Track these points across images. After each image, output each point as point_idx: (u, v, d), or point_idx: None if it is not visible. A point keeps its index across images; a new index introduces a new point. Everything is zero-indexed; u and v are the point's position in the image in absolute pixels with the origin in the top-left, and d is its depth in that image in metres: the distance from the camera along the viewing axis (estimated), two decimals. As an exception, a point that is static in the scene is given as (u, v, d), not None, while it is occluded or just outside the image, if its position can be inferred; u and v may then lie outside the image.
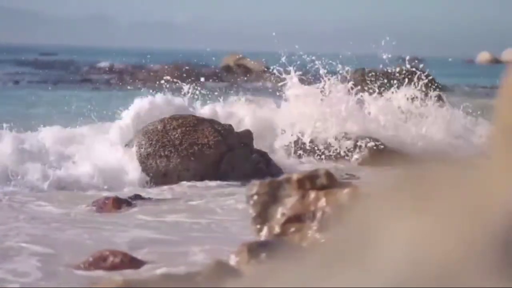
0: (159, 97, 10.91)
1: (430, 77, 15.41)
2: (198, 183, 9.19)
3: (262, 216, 4.26)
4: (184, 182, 9.21)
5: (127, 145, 9.73)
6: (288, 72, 11.65)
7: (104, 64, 46.47)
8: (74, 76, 34.21)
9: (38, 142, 9.91)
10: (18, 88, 25.68)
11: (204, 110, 11.24)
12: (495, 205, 0.84)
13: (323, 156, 11.16)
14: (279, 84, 11.52)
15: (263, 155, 10.04)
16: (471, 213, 0.84)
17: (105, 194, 8.35)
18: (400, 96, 13.31)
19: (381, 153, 11.09)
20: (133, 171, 9.23)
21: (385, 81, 14.40)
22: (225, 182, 9.32)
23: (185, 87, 11.24)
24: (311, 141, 11.29)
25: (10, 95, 22.11)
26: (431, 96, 13.38)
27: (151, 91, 11.28)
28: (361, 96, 12.44)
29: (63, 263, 5.54)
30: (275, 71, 11.59)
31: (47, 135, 10.21)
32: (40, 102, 19.22)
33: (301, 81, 11.86)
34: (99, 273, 5.28)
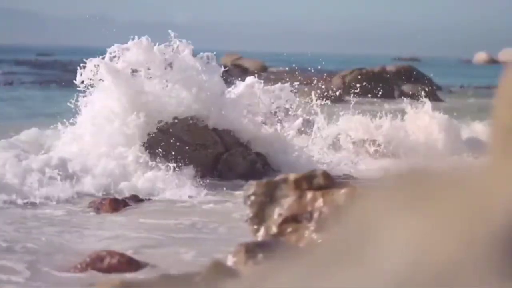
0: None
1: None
2: (195, 183, 9.16)
3: (259, 217, 4.25)
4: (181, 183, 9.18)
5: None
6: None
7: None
8: (71, 76, 34.10)
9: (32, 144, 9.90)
10: (10, 89, 25.56)
11: (245, 83, 10.05)
12: (495, 205, 0.83)
13: None
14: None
15: (260, 155, 10.03)
16: (471, 213, 0.84)
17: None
18: None
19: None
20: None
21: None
22: (222, 182, 9.31)
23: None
24: None
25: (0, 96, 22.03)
26: None
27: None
28: None
29: (59, 264, 5.53)
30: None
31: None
32: (29, 102, 19.17)
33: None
34: (96, 273, 5.27)
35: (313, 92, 11.94)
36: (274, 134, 9.99)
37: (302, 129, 10.69)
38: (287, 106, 10.22)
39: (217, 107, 9.65)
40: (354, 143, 11.39)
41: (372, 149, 11.29)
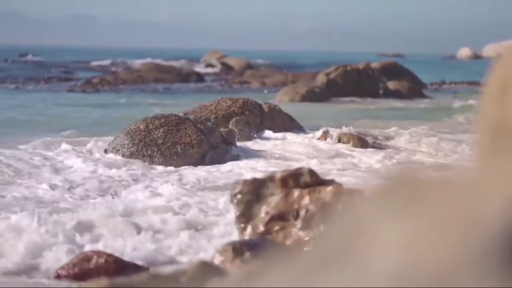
0: None
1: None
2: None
3: (246, 215, 4.25)
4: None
5: (106, 150, 9.70)
6: None
7: (85, 64, 46.38)
8: (53, 76, 33.93)
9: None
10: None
11: None
12: (486, 205, 0.83)
13: None
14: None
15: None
16: (462, 213, 0.84)
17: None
18: None
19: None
20: None
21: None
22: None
23: None
24: None
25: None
26: None
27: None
28: None
29: (47, 265, 5.51)
30: None
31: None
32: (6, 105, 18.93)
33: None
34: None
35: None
36: None
37: None
38: None
39: None
40: None
41: None
